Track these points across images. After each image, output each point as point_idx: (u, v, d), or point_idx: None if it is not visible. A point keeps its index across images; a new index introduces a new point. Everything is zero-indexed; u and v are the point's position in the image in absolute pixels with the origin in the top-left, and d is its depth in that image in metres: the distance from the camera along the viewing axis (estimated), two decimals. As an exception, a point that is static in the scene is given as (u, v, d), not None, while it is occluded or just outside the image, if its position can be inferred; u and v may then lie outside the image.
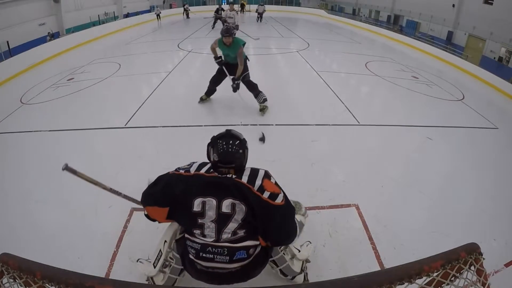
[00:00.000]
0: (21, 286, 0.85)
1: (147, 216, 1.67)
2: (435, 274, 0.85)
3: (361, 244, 2.35)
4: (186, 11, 18.67)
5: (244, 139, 1.61)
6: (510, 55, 11.33)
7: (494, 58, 11.94)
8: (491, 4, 12.43)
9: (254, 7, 23.26)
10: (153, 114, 4.57)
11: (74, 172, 1.67)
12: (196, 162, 1.60)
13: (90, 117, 4.46)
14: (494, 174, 3.46)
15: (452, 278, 0.86)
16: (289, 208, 1.52)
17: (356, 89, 6.28)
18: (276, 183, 1.51)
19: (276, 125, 4.22)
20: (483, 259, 0.88)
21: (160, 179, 1.60)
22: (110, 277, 1.98)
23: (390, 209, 2.74)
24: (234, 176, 1.45)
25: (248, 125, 4.18)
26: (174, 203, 1.49)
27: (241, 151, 1.52)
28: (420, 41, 11.64)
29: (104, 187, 1.87)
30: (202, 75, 6.77)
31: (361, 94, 6.07)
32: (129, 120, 4.32)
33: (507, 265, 2.21)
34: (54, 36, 12.67)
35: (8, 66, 7.01)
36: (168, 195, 1.50)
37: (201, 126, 4.16)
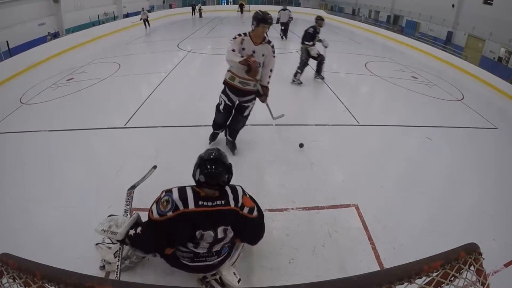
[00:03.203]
0: (20, 286, 0.85)
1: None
2: (435, 274, 0.85)
3: (361, 244, 2.35)
4: (199, 11, 19.56)
5: (230, 164, 1.68)
6: (509, 55, 11.33)
7: (494, 58, 11.94)
8: (491, 4, 12.43)
9: (254, 7, 23.26)
10: (153, 114, 4.57)
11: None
12: (171, 192, 1.58)
13: (90, 117, 4.46)
14: (494, 174, 3.46)
15: (452, 278, 0.86)
16: (260, 218, 1.82)
17: (356, 89, 6.28)
18: (250, 197, 1.77)
19: (276, 125, 4.21)
20: (483, 259, 0.88)
21: (148, 229, 1.64)
22: (109, 277, 1.98)
23: (390, 209, 2.74)
24: (223, 202, 1.60)
25: (247, 125, 4.18)
26: (166, 239, 1.61)
27: (226, 176, 1.64)
28: (419, 41, 11.65)
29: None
30: (202, 75, 6.80)
31: (361, 94, 6.07)
32: (128, 120, 4.32)
33: (506, 265, 2.21)
34: (56, 35, 12.64)
35: (8, 66, 7.02)
36: (161, 240, 1.61)
37: (201, 126, 4.16)
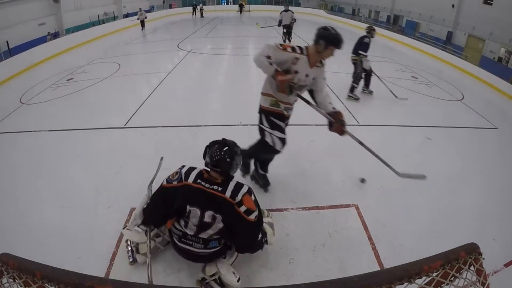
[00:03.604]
0: (20, 286, 0.85)
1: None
2: (435, 274, 0.85)
3: (361, 244, 2.35)
4: (201, 11, 19.59)
5: (236, 150, 1.77)
6: (509, 56, 11.33)
7: (494, 58, 11.94)
8: (491, 4, 12.43)
9: (254, 7, 23.28)
10: (152, 114, 4.57)
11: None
12: (184, 167, 1.81)
13: (90, 117, 4.46)
14: (494, 174, 3.46)
15: (452, 278, 0.86)
16: (258, 226, 1.78)
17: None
18: (255, 201, 1.73)
19: (276, 125, 4.21)
20: (483, 259, 0.88)
21: (156, 195, 1.88)
22: (110, 277, 1.98)
23: (390, 209, 2.74)
24: (219, 189, 1.66)
25: (248, 125, 4.18)
26: (171, 208, 1.76)
27: (228, 159, 1.70)
28: (419, 41, 11.65)
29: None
30: (202, 75, 6.80)
31: (361, 94, 6.06)
32: (128, 120, 4.32)
33: (506, 265, 2.20)
34: (56, 35, 12.62)
35: (8, 66, 7.01)
36: (166, 208, 1.78)
37: (201, 126, 4.16)
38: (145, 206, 1.98)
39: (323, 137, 3.98)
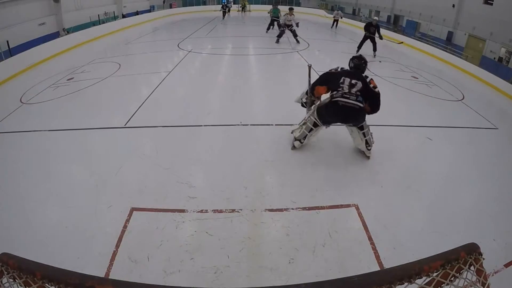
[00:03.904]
0: (20, 286, 0.85)
1: (303, 103, 3.62)
2: (435, 274, 0.85)
3: (361, 244, 2.35)
4: (225, 11, 17.20)
5: (366, 60, 3.36)
6: (510, 56, 11.31)
7: (494, 58, 11.92)
8: (491, 4, 12.42)
9: (254, 7, 23.28)
10: (153, 114, 4.57)
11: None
12: (339, 66, 3.35)
13: (90, 117, 4.46)
14: (494, 174, 3.46)
15: (452, 278, 0.86)
16: (378, 95, 3.15)
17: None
18: (374, 83, 3.18)
19: (276, 125, 4.22)
20: (483, 259, 0.88)
21: (324, 75, 3.33)
22: (110, 277, 1.98)
23: (390, 209, 2.74)
24: (358, 71, 3.23)
25: (248, 125, 4.18)
26: (331, 80, 3.23)
27: (364, 64, 3.29)
28: (420, 41, 11.64)
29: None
30: (202, 75, 6.80)
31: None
32: (128, 120, 4.32)
33: (506, 265, 2.21)
34: (68, 32, 12.48)
35: (8, 66, 7.01)
36: (328, 79, 3.28)
37: (201, 126, 4.16)
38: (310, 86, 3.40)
39: (323, 137, 3.99)
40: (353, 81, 3.08)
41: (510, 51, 11.29)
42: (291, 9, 9.91)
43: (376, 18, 9.39)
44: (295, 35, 9.92)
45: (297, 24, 9.62)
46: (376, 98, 3.14)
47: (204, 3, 23.75)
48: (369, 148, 3.42)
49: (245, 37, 10.23)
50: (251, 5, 23.05)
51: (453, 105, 5.69)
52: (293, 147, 3.56)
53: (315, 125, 3.35)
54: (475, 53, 12.39)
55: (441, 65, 9.27)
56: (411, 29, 16.78)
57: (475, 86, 7.54)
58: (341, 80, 3.11)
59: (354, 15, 22.25)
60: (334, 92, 3.16)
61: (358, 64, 3.26)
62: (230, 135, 3.95)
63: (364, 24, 9.65)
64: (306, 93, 3.49)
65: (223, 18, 16.95)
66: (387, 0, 19.64)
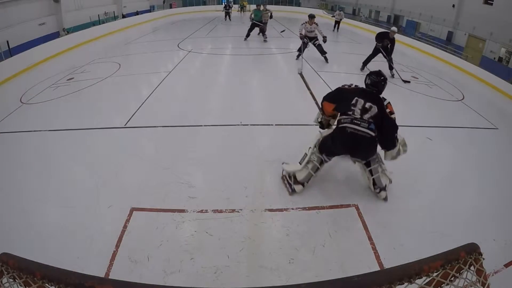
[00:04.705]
0: (20, 286, 0.85)
1: (320, 123, 3.03)
2: (435, 274, 0.85)
3: (361, 244, 2.35)
4: (227, 13, 16.35)
5: (385, 78, 2.73)
6: (510, 56, 11.31)
7: (494, 58, 11.92)
8: (491, 4, 12.42)
9: (254, 7, 23.32)
10: (153, 114, 4.57)
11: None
12: (353, 84, 2.82)
13: (90, 117, 4.46)
14: (494, 174, 3.46)
15: (452, 278, 0.86)
16: (394, 123, 2.62)
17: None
18: (392, 108, 2.65)
19: (276, 125, 4.22)
20: (483, 259, 0.88)
21: (336, 90, 2.81)
22: (110, 277, 1.98)
23: (390, 209, 2.74)
24: (375, 91, 2.66)
25: (248, 125, 4.18)
26: (341, 100, 2.70)
27: (382, 82, 2.68)
28: (420, 41, 11.64)
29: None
30: (202, 75, 6.80)
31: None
32: (128, 120, 4.32)
33: (506, 265, 2.21)
34: (68, 32, 12.49)
35: (8, 66, 7.00)
36: (338, 97, 2.75)
37: (201, 126, 4.16)
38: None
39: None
40: (368, 105, 2.53)
41: (510, 51, 11.29)
42: (312, 17, 7.36)
43: (395, 29, 7.18)
44: (322, 52, 7.58)
45: (324, 39, 7.35)
46: (391, 129, 2.59)
47: (204, 3, 23.74)
48: (377, 190, 2.75)
49: (240, 36, 10.22)
50: (250, 5, 23.05)
51: (453, 105, 5.69)
52: (293, 191, 2.81)
53: (322, 162, 2.79)
54: (475, 53, 12.39)
55: (441, 65, 9.27)
56: (411, 29, 16.78)
57: (475, 86, 7.54)
58: (353, 101, 2.57)
59: (354, 15, 22.25)
60: (343, 117, 2.61)
61: (376, 82, 2.63)
62: (230, 135, 3.94)
63: (377, 33, 7.35)
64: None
65: (225, 20, 16.35)
66: (387, 0, 19.64)
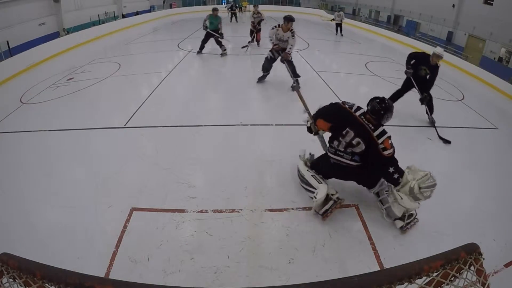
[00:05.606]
0: (20, 286, 0.85)
1: (308, 128, 2.74)
2: (435, 274, 0.85)
3: (361, 244, 2.35)
4: (233, 14, 15.62)
5: (389, 107, 2.41)
6: (510, 56, 11.31)
7: (494, 58, 11.92)
8: (491, 4, 12.42)
9: (252, 8, 23.34)
10: (153, 114, 4.57)
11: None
12: (355, 104, 2.49)
13: (90, 117, 4.46)
14: (494, 174, 3.46)
15: (452, 278, 0.86)
16: (388, 161, 2.39)
17: (356, 89, 6.28)
18: (391, 144, 2.35)
19: (276, 125, 4.22)
20: (483, 259, 0.88)
21: (334, 108, 2.53)
22: (110, 277, 1.98)
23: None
24: (372, 127, 2.33)
25: (248, 125, 4.18)
26: (336, 122, 2.47)
27: (382, 112, 2.35)
28: (420, 41, 11.64)
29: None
30: (202, 75, 6.80)
31: (361, 94, 6.05)
32: (128, 120, 4.32)
33: (506, 265, 2.21)
34: (68, 32, 12.49)
35: (8, 66, 7.00)
36: (334, 117, 2.49)
37: (201, 126, 4.16)
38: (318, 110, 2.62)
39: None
40: (355, 141, 2.34)
41: (510, 51, 11.29)
42: (289, 20, 5.23)
43: (440, 50, 4.54)
44: (294, 73, 5.51)
45: (290, 56, 5.39)
46: (376, 160, 2.36)
47: (204, 3, 23.74)
48: (391, 220, 2.53)
49: (245, 37, 10.21)
50: (250, 5, 23.07)
51: (453, 105, 5.69)
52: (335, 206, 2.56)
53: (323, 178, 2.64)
54: (475, 53, 12.39)
55: (441, 65, 9.26)
56: (411, 29, 16.77)
57: (475, 86, 7.54)
58: (344, 132, 2.39)
59: (354, 15, 22.26)
60: (330, 143, 2.55)
61: (375, 111, 2.33)
62: (230, 135, 3.94)
63: (409, 54, 4.60)
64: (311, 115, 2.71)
65: (230, 21, 15.31)
66: (387, 0, 19.64)
